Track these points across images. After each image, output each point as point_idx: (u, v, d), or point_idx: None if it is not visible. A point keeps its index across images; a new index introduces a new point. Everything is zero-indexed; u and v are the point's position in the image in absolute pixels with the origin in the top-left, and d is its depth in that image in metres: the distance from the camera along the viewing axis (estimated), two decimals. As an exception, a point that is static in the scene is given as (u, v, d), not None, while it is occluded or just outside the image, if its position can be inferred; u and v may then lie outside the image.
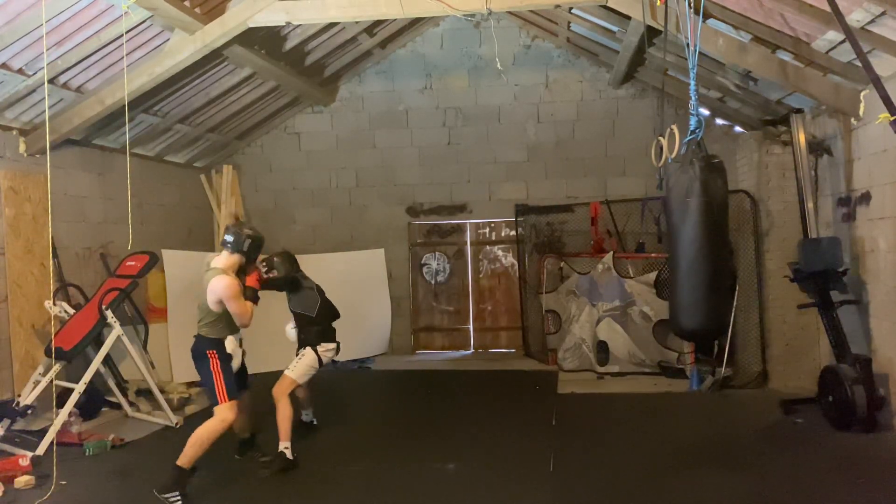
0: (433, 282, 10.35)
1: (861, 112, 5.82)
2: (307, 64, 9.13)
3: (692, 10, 4.79)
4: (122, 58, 6.22)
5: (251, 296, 4.98)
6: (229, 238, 4.91)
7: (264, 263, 5.61)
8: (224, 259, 4.91)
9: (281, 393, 5.52)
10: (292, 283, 5.80)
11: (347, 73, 10.22)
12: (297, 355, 5.78)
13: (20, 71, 6.19)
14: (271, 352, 8.93)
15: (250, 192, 10.61)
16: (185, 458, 4.64)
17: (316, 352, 5.73)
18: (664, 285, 7.70)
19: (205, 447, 4.68)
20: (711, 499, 4.49)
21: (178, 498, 4.55)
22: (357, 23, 8.38)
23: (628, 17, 6.44)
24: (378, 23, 8.95)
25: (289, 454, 5.25)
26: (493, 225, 10.36)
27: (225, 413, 4.77)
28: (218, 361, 4.89)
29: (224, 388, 4.82)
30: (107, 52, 6.52)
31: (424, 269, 10.36)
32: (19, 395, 6.13)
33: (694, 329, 4.54)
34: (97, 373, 6.17)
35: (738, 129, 8.91)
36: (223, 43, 6.68)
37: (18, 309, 6.70)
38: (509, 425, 6.22)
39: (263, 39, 7.80)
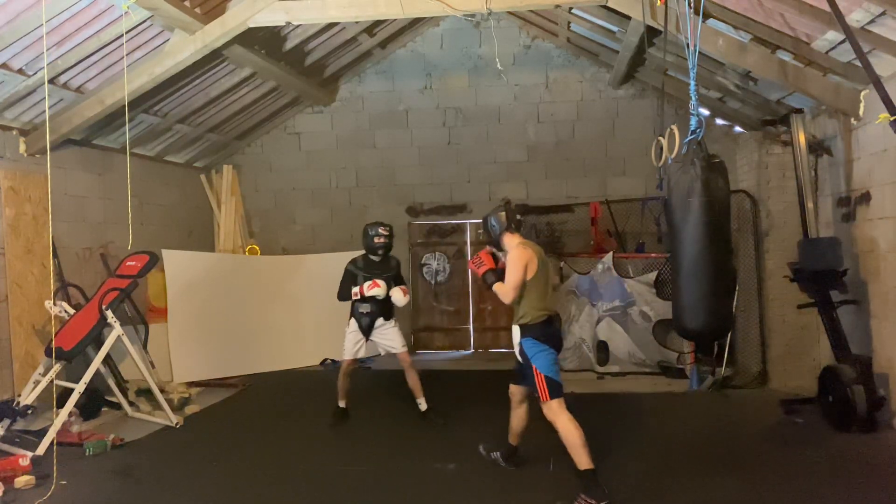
0: (433, 282, 10.36)
1: (861, 112, 5.82)
2: (307, 64, 9.14)
3: (692, 10, 4.79)
4: (122, 58, 6.23)
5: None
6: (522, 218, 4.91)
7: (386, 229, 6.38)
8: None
9: (410, 364, 6.32)
10: None
11: (347, 73, 10.22)
12: (382, 325, 6.37)
13: (20, 71, 6.19)
14: (270, 351, 8.96)
15: (250, 192, 10.61)
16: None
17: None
18: (664, 285, 7.70)
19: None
20: (711, 499, 4.48)
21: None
22: (357, 23, 8.39)
23: (628, 17, 6.44)
24: (378, 23, 8.96)
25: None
26: (493, 225, 10.34)
27: None
28: None
29: None
30: (107, 52, 6.52)
31: (424, 269, 10.36)
32: (19, 395, 6.12)
33: (697, 329, 4.53)
34: (97, 373, 6.15)
35: (738, 129, 8.92)
36: (223, 43, 6.68)
37: (18, 309, 6.70)
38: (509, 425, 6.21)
39: (263, 39, 7.80)
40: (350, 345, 6.36)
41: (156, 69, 6.64)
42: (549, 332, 4.59)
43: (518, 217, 4.78)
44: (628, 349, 7.97)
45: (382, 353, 6.57)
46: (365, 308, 6.27)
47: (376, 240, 6.28)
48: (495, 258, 4.86)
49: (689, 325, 4.51)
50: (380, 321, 6.30)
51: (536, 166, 10.07)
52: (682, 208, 4.33)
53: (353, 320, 6.37)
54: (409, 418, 6.38)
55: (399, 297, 6.25)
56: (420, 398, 6.36)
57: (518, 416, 4.94)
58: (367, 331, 6.32)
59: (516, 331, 4.65)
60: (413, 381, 6.33)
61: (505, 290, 4.52)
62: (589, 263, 8.51)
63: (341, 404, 6.51)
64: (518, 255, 4.54)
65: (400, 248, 10.22)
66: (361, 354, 6.45)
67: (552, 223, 9.65)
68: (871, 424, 5.53)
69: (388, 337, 6.34)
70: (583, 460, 4.30)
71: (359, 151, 10.42)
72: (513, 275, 4.50)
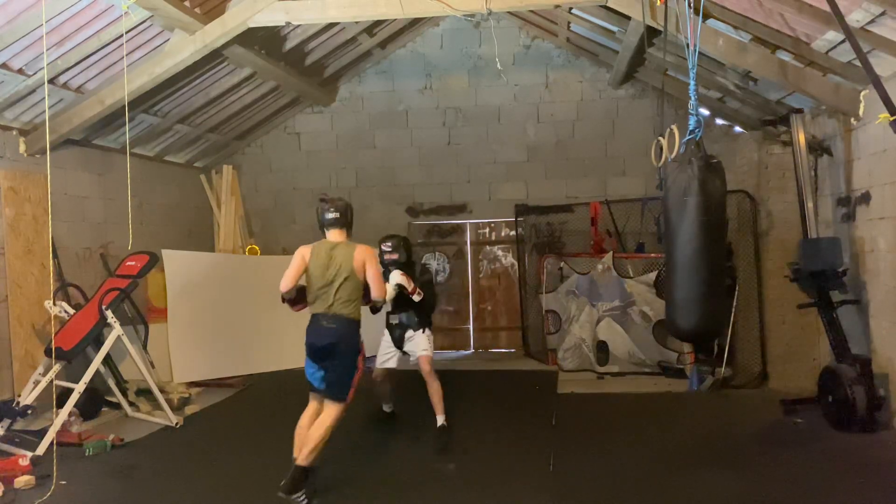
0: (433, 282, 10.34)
1: (861, 112, 5.82)
2: (307, 64, 9.14)
3: (692, 10, 4.79)
4: (122, 58, 6.23)
5: None
6: (335, 215, 4.74)
7: (388, 245, 5.89)
8: (340, 234, 4.78)
9: (429, 372, 5.82)
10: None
11: (347, 73, 10.22)
12: (412, 336, 6.02)
13: (20, 71, 6.19)
14: (270, 351, 8.96)
15: (250, 192, 10.62)
16: (308, 458, 4.59)
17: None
18: (664, 285, 7.70)
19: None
20: (711, 499, 4.49)
21: (304, 498, 4.51)
22: (357, 23, 8.39)
23: (628, 17, 6.44)
24: (378, 23, 8.95)
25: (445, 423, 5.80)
26: (492, 225, 10.36)
27: (342, 412, 4.76)
28: (364, 353, 4.81)
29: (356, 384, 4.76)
30: (107, 52, 6.52)
31: (424, 270, 10.34)
32: (19, 395, 6.13)
33: (689, 329, 4.53)
34: (97, 373, 6.16)
35: (737, 129, 8.91)
36: (223, 43, 6.69)
37: (18, 309, 6.70)
38: (509, 425, 6.22)
39: (263, 39, 7.80)
40: (380, 355, 6.17)
41: (156, 69, 6.64)
42: (308, 329, 4.81)
43: (329, 215, 4.75)
44: (628, 349, 7.97)
45: (413, 360, 6.14)
46: (395, 319, 6.06)
47: (385, 256, 6.08)
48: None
49: (682, 325, 4.50)
50: (409, 332, 6.02)
51: (536, 166, 10.07)
52: (677, 208, 4.32)
53: (386, 332, 6.17)
54: (410, 418, 6.38)
55: (393, 276, 5.89)
56: (440, 414, 5.85)
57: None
58: (398, 342, 6.08)
59: None
60: (433, 392, 5.86)
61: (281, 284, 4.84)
62: (589, 263, 8.52)
63: (386, 409, 6.46)
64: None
65: (400, 249, 10.23)
66: (391, 365, 6.15)
67: (552, 223, 9.65)
68: (871, 424, 5.53)
69: (414, 342, 6.03)
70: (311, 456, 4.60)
71: (359, 151, 10.42)
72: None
